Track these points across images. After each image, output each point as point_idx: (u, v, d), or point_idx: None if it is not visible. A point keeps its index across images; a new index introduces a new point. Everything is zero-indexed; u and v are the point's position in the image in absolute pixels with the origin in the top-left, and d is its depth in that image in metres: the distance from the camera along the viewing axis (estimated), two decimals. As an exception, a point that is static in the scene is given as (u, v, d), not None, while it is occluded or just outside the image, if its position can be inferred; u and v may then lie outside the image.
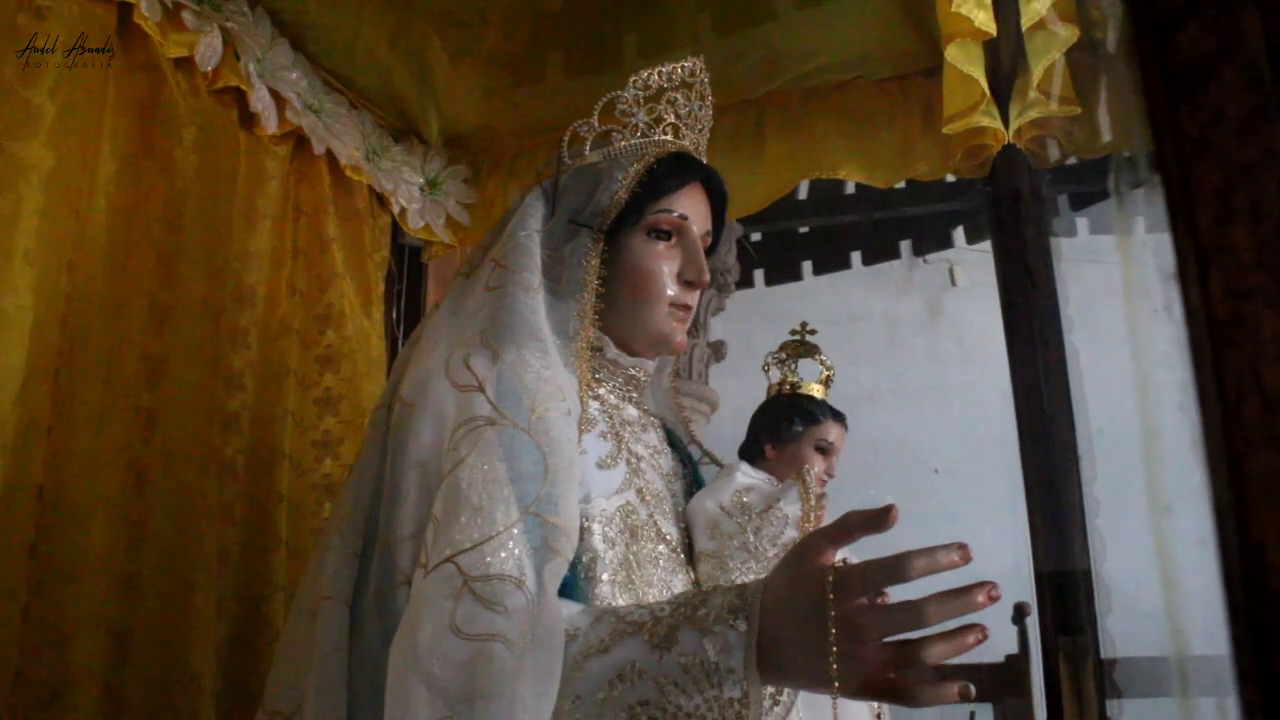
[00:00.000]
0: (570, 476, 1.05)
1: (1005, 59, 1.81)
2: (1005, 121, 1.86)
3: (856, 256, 3.84)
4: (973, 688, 0.80)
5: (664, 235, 1.26)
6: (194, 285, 1.56)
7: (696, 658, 0.88)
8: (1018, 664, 3.13)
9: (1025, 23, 1.59)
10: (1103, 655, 1.85)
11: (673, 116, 1.33)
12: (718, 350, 3.45)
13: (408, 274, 2.35)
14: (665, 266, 1.25)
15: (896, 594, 0.85)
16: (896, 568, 0.82)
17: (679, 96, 1.35)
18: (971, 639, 0.80)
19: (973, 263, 5.79)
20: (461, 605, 0.92)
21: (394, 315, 2.25)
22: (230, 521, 1.64)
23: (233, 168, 1.71)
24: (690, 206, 1.27)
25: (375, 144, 2.13)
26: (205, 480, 1.55)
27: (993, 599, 0.81)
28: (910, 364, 5.78)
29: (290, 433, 1.80)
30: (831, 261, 3.86)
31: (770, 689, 0.89)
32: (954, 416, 5.46)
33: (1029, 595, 2.14)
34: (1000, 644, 2.98)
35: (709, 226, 1.32)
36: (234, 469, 1.67)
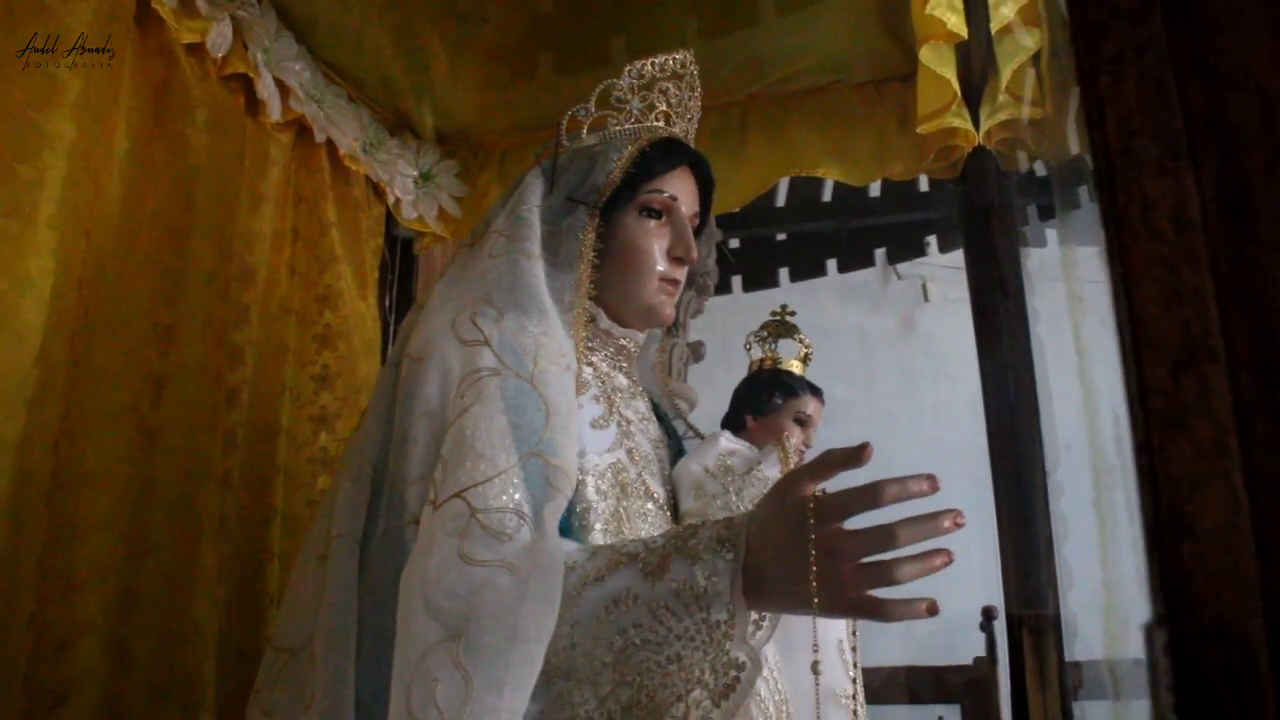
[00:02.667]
0: (569, 425, 1.13)
1: (976, 63, 1.91)
2: (976, 124, 1.96)
3: (832, 264, 3.91)
4: (938, 603, 0.89)
5: (655, 214, 1.34)
6: (203, 259, 1.63)
7: (687, 583, 0.95)
8: (985, 666, 3.21)
9: (994, 27, 1.69)
10: (1063, 634, 1.92)
11: (664, 105, 1.42)
12: (696, 350, 3.52)
13: (399, 266, 2.43)
14: (656, 243, 1.34)
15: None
16: (872, 494, 0.89)
17: (670, 86, 1.43)
18: (939, 561, 0.88)
19: (946, 279, 5.89)
20: (468, 535, 0.99)
21: (386, 304, 2.33)
22: (229, 490, 1.70)
23: (239, 151, 1.78)
24: (680, 188, 1.36)
25: (372, 136, 2.21)
26: (211, 446, 1.62)
27: (958, 525, 0.89)
28: (882, 378, 5.84)
29: (288, 408, 1.87)
30: (808, 268, 3.94)
31: (754, 615, 0.97)
32: (925, 430, 5.53)
33: (997, 600, 2.20)
34: (968, 647, 3.06)
35: (696, 209, 1.41)
36: (234, 440, 1.73)
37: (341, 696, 1.05)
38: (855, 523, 0.92)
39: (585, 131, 1.39)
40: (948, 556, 0.89)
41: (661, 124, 1.40)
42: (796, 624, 1.38)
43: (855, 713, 1.48)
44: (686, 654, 0.94)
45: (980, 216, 2.07)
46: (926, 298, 6.30)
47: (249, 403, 1.77)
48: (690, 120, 1.48)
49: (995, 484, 1.99)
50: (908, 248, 3.83)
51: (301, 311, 1.95)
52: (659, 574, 0.96)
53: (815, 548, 0.89)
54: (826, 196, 3.59)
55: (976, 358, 2.06)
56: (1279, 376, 0.31)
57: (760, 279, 4.05)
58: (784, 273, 4.03)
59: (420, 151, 2.36)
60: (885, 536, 0.88)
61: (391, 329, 2.26)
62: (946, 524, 0.89)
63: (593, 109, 1.39)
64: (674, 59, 1.44)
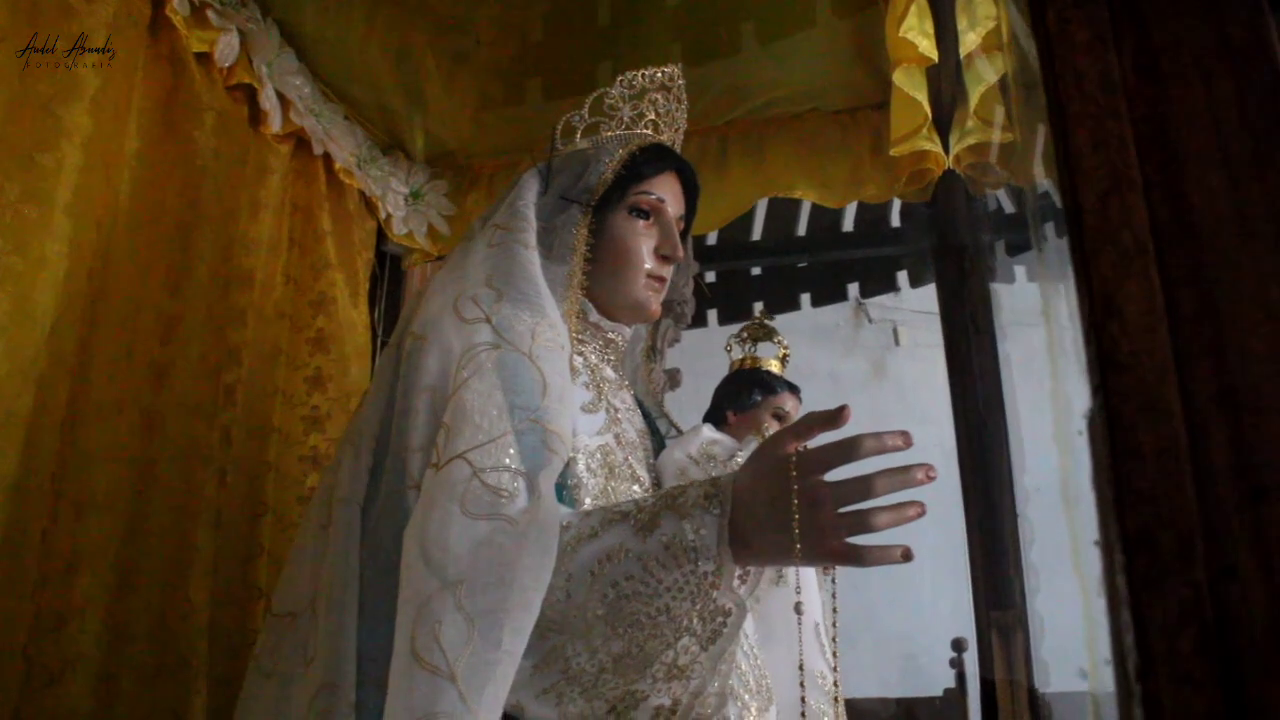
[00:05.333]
0: (564, 398, 1.19)
1: (946, 89, 2.02)
2: (947, 149, 2.06)
3: (806, 298, 4.00)
4: (912, 550, 0.95)
5: (643, 215, 1.42)
6: (206, 256, 1.70)
7: (676, 537, 1.00)
8: (954, 698, 3.26)
9: (963, 53, 1.79)
10: (1030, 634, 1.98)
11: (653, 114, 1.51)
12: (673, 378, 3.58)
13: (388, 281, 2.49)
14: (644, 242, 1.41)
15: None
16: (850, 447, 0.96)
17: (659, 97, 1.52)
18: (912, 511, 0.95)
19: (917, 323, 6.01)
20: (469, 493, 1.05)
21: (375, 316, 2.39)
22: (224, 486, 1.75)
23: (242, 157, 1.85)
24: (667, 191, 1.44)
25: (366, 153, 2.29)
26: (209, 436, 1.67)
27: (930, 478, 0.96)
28: (854, 421, 5.89)
29: (280, 408, 1.92)
30: (782, 302, 4.02)
31: (738, 570, 1.03)
32: (896, 472, 5.58)
33: (969, 634, 2.23)
34: (940, 679, 3.11)
35: (682, 212, 1.49)
36: (228, 437, 1.78)
37: (342, 651, 1.09)
38: (834, 477, 0.98)
39: (578, 136, 1.47)
40: (920, 508, 0.96)
41: (650, 132, 1.49)
42: (775, 611, 1.44)
43: (836, 700, 1.54)
44: (675, 605, 0.99)
45: (952, 248, 2.16)
46: (897, 342, 6.38)
47: (244, 401, 1.82)
48: (677, 130, 1.57)
49: (968, 521, 2.05)
50: (879, 282, 3.92)
51: (295, 316, 2.01)
52: (650, 529, 1.02)
53: (798, 497, 0.96)
54: (801, 231, 3.69)
55: (948, 388, 2.12)
56: (1183, 199, 0.40)
57: (735, 312, 4.12)
58: (758, 306, 4.10)
59: (411, 170, 2.44)
60: (864, 485, 0.95)
61: (381, 342, 2.32)
62: (920, 475, 0.95)
63: (586, 115, 1.47)
64: (663, 72, 1.53)
